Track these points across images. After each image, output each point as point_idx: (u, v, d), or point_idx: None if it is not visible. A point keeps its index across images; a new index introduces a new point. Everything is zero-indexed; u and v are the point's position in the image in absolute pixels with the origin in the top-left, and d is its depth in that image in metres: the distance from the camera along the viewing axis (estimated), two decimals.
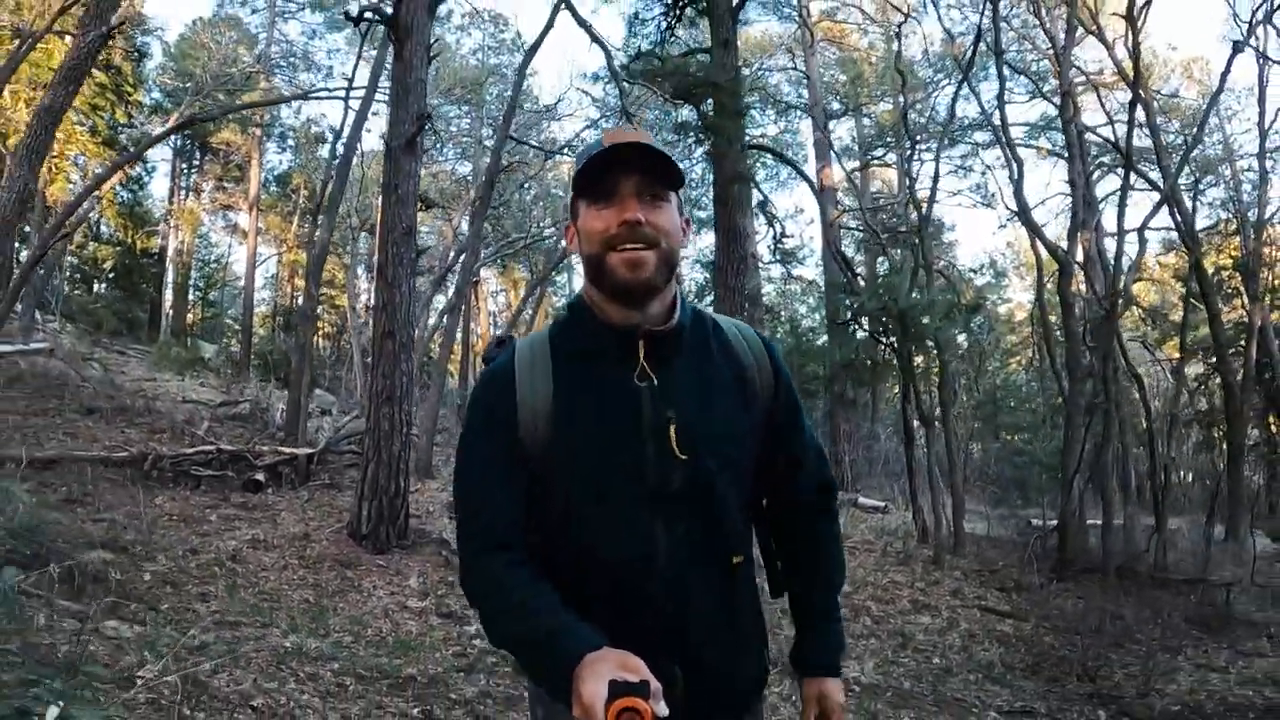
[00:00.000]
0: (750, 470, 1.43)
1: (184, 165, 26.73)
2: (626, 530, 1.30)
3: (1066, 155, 11.76)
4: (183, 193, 26.27)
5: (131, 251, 24.94)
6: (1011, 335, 25.83)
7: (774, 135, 22.87)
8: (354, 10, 8.84)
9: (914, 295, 8.07)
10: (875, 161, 20.46)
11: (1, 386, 11.52)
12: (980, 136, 18.69)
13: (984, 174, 21.68)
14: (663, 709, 1.02)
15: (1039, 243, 10.36)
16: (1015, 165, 10.40)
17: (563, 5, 9.97)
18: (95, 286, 25.52)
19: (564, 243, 1.43)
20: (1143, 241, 11.02)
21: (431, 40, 8.41)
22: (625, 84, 10.61)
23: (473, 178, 22.37)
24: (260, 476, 8.83)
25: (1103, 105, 14.25)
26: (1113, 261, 11.72)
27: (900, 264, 10.85)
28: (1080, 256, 11.27)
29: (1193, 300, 13.63)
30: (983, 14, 10.87)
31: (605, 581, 1.30)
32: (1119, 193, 10.41)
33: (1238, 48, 10.98)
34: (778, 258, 19.66)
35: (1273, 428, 17.99)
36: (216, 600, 5.29)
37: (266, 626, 4.85)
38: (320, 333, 29.62)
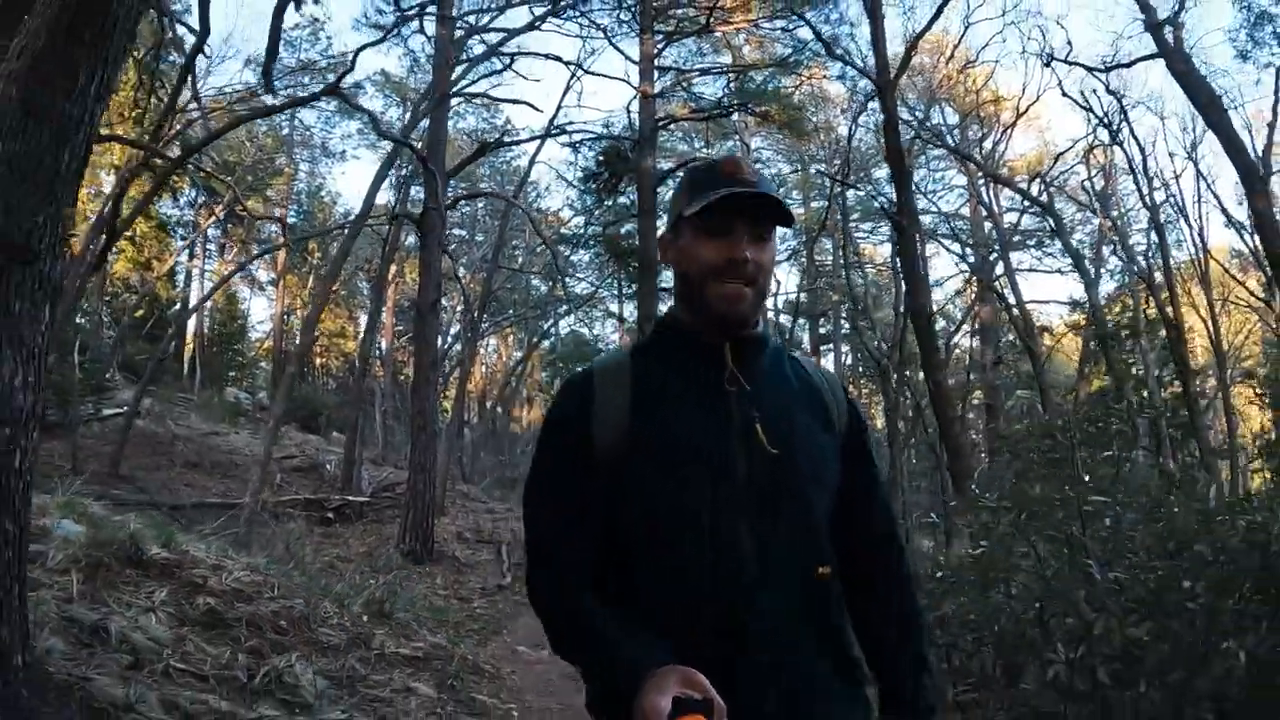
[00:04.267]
0: (834, 489, 1.49)
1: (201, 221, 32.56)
2: (714, 533, 1.36)
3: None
4: (206, 250, 32.14)
5: (156, 302, 30.53)
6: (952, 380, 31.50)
7: None
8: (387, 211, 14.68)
9: None
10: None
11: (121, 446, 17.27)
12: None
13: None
14: None
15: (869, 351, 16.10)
16: (853, 298, 16.13)
17: (520, 209, 15.70)
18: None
19: (661, 251, 1.63)
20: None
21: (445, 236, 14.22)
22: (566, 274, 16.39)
23: (468, 233, 28.30)
24: (331, 515, 14.60)
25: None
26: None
27: None
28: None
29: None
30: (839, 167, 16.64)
31: (689, 588, 1.35)
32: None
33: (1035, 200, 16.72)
34: None
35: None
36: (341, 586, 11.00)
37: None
38: (329, 372, 35.59)
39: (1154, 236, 19.28)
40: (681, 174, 1.69)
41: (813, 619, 1.40)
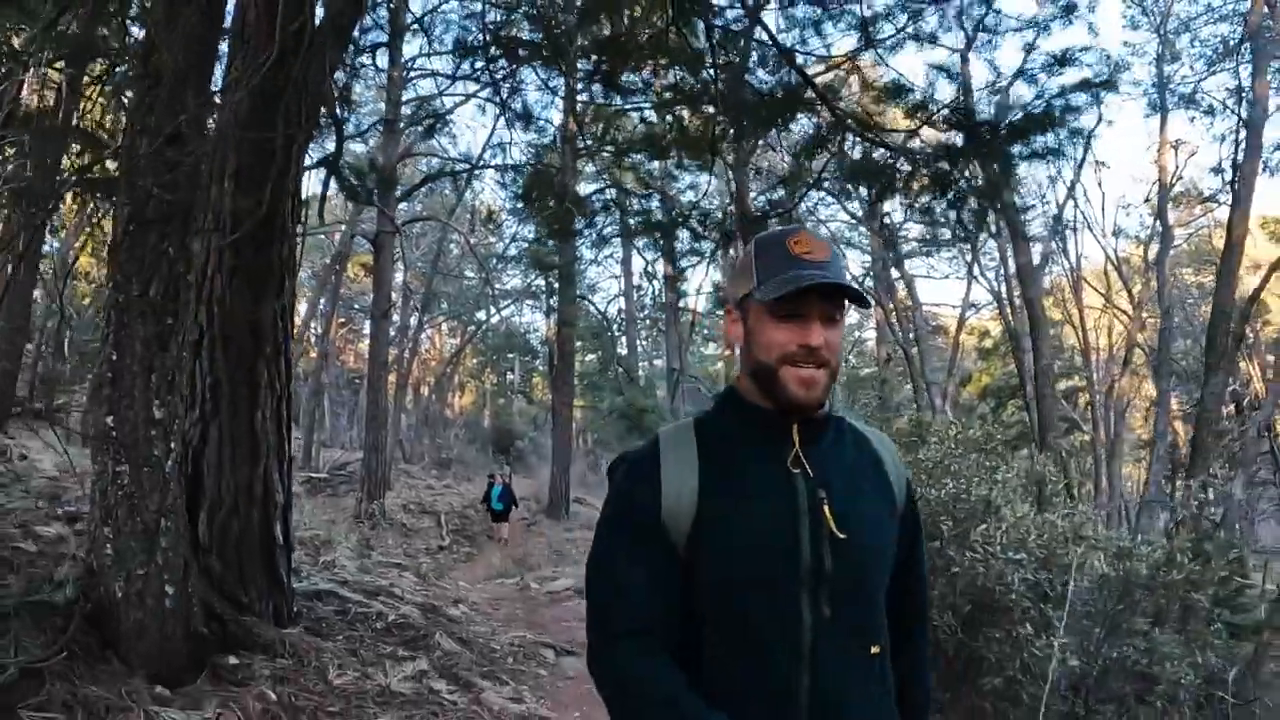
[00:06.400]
0: (891, 563, 1.57)
1: None
2: (777, 613, 1.42)
3: None
4: None
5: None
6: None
7: None
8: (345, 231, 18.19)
9: None
10: None
11: None
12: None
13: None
14: None
15: None
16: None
17: (458, 231, 19.30)
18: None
19: (726, 325, 1.67)
20: None
21: (396, 252, 17.74)
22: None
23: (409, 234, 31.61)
24: (297, 489, 18.13)
25: None
26: None
27: None
28: None
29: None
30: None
31: (752, 665, 1.43)
32: None
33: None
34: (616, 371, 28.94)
35: None
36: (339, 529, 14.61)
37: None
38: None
39: (1051, 245, 23.75)
40: (750, 245, 1.61)
41: (866, 696, 1.48)
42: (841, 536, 1.43)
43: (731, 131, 6.98)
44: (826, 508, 1.44)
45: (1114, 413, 28.18)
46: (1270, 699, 9.92)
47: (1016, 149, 5.54)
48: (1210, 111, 19.85)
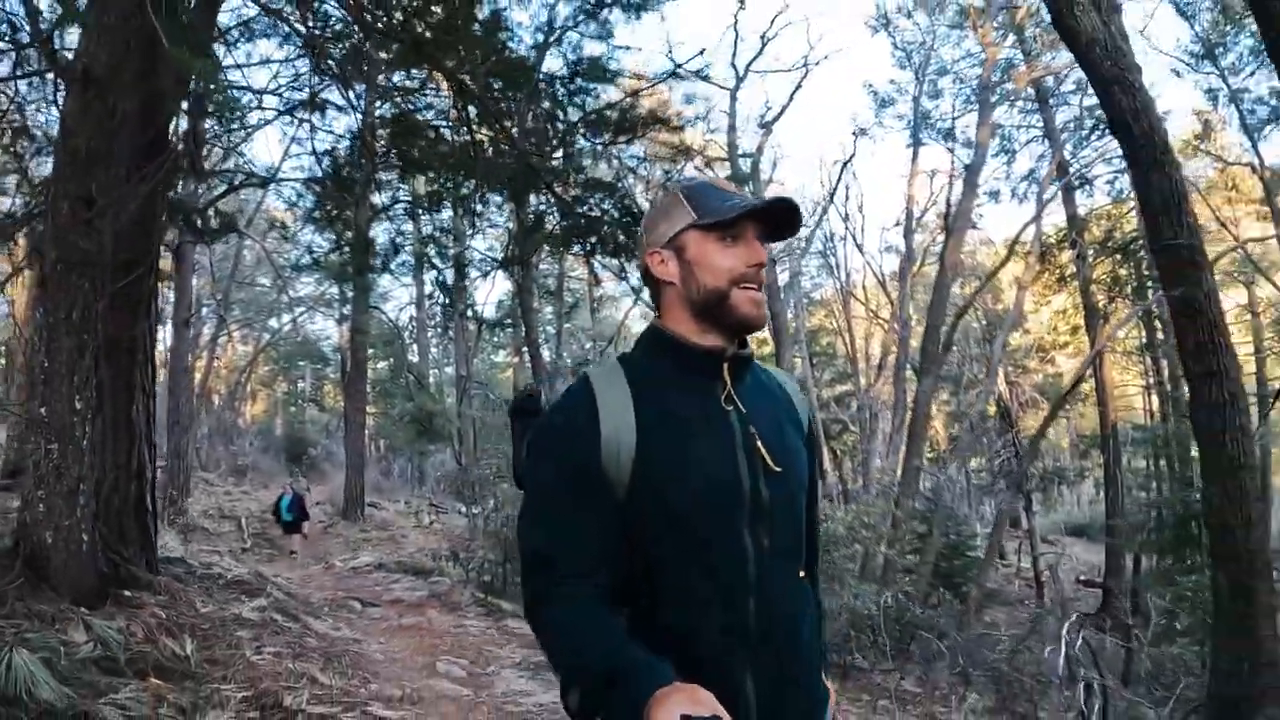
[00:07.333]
0: (808, 490, 1.66)
1: None
2: (726, 546, 1.47)
3: None
4: None
5: None
6: None
7: None
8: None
9: None
10: None
11: None
12: None
13: None
14: None
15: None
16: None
17: (257, 243, 20.13)
18: None
19: (650, 267, 1.60)
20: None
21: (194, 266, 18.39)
22: None
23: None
24: None
25: None
26: None
27: None
28: None
29: None
30: None
31: (706, 598, 1.46)
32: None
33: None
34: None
35: None
36: None
37: None
38: None
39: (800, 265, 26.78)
40: (661, 194, 1.67)
41: (802, 617, 1.57)
42: (778, 470, 1.52)
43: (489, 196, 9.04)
44: (760, 443, 1.52)
45: (869, 412, 31.92)
46: (974, 642, 12.59)
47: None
48: (969, 145, 23.29)
